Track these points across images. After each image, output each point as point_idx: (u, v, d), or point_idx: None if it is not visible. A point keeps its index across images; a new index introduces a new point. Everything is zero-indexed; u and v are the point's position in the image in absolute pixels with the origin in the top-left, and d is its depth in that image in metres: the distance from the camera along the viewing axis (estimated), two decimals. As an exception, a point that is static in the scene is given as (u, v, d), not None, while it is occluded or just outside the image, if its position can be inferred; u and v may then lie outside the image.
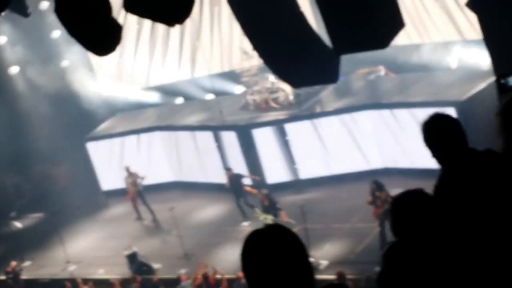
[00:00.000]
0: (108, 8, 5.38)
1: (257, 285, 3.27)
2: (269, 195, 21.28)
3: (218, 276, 18.34)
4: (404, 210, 4.77)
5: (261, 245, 3.27)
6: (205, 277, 18.66)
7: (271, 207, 20.96)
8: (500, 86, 6.34)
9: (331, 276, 16.52)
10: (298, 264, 3.27)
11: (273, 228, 3.35)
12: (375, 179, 19.60)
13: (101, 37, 5.01)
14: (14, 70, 29.21)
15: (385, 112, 23.00)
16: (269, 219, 20.57)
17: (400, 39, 22.48)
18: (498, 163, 4.87)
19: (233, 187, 23.10)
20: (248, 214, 22.72)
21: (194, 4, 5.88)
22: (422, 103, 21.36)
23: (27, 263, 24.19)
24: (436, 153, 5.05)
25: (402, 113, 22.34)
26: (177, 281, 19.17)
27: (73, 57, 29.74)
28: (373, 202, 18.91)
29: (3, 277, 22.99)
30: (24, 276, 22.87)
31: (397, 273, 4.75)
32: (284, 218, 20.53)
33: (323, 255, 19.29)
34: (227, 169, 23.61)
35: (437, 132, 5.05)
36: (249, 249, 3.30)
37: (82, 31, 5.02)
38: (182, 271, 19.71)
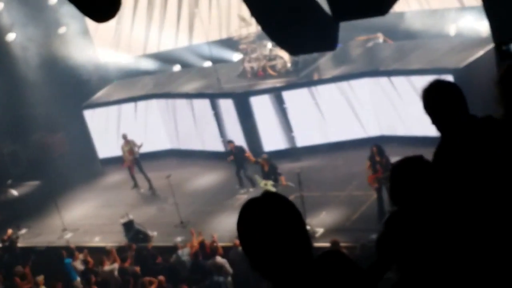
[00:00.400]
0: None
1: (254, 254, 3.25)
2: (269, 160, 21.18)
3: (215, 244, 18.29)
4: (403, 176, 4.71)
5: (257, 214, 3.24)
6: (202, 245, 18.62)
7: (271, 172, 20.88)
8: (502, 53, 6.22)
9: (326, 244, 16.48)
10: (294, 232, 3.24)
11: (269, 196, 3.31)
12: (376, 143, 19.38)
13: (100, 3, 4.89)
14: (11, 36, 29.02)
15: (383, 80, 22.83)
16: (269, 184, 20.51)
17: (399, 6, 22.40)
18: (498, 129, 4.79)
19: (235, 159, 22.94)
20: (245, 184, 22.64)
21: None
22: (420, 71, 21.19)
23: (23, 231, 24.20)
24: (436, 120, 4.97)
25: (400, 81, 22.19)
26: (173, 248, 19.12)
27: (71, 24, 29.57)
28: (372, 167, 18.68)
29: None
30: (20, 243, 22.85)
31: (396, 238, 4.70)
32: (284, 182, 20.49)
33: (319, 223, 19.24)
34: (229, 142, 23.40)
35: (437, 98, 4.97)
36: (245, 218, 3.26)
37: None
38: (178, 239, 19.67)
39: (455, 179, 4.76)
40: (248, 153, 22.68)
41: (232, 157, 22.78)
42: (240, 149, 22.99)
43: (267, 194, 3.32)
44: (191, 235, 19.32)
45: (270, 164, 21.06)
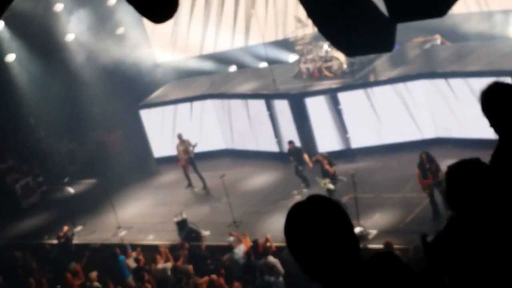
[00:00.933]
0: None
1: (303, 258, 3.23)
2: (329, 157, 21.16)
3: (268, 244, 18.29)
4: (460, 179, 4.59)
5: (303, 218, 3.22)
6: (255, 244, 18.63)
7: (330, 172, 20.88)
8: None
9: (379, 246, 16.36)
10: (341, 234, 3.21)
11: (314, 199, 3.27)
12: (425, 150, 19.23)
13: (158, 3, 4.90)
14: (70, 37, 29.42)
15: (440, 82, 22.59)
16: (327, 183, 20.48)
17: (458, 8, 22.16)
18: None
19: (294, 159, 22.87)
20: (299, 184, 22.58)
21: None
22: (478, 73, 20.91)
23: (78, 228, 24.47)
24: (494, 123, 4.87)
25: (457, 83, 21.92)
26: (227, 248, 19.17)
27: (128, 25, 29.89)
28: (422, 173, 18.54)
29: (55, 241, 23.30)
30: (75, 240, 23.13)
31: (451, 244, 4.59)
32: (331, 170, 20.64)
33: (373, 225, 19.12)
34: (290, 142, 23.27)
35: (495, 101, 4.87)
36: (292, 222, 3.25)
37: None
38: (231, 238, 19.68)
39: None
40: (306, 156, 22.60)
41: (294, 163, 22.73)
42: (298, 150, 22.97)
43: (312, 197, 3.29)
44: (244, 236, 19.35)
45: (329, 161, 21.02)
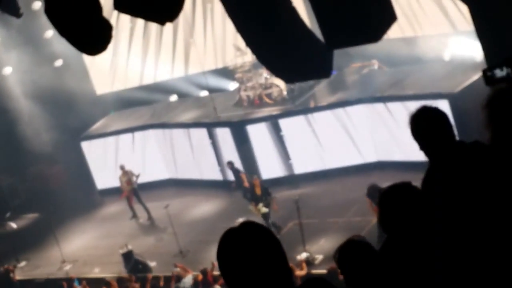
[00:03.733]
0: (98, 7, 5.34)
1: (234, 283, 3.25)
2: (262, 182, 21.28)
3: (216, 273, 18.29)
4: (391, 203, 4.75)
5: (234, 243, 3.26)
6: (204, 273, 18.60)
7: (263, 195, 20.91)
8: (487, 79, 6.33)
9: (325, 271, 16.47)
10: (273, 260, 3.24)
11: (246, 225, 3.32)
12: (372, 183, 19.17)
13: (91, 36, 4.98)
14: (7, 71, 29.14)
15: (379, 106, 22.94)
16: (261, 208, 20.53)
17: (393, 33, 22.49)
18: (485, 155, 4.85)
19: (236, 181, 22.95)
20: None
21: (184, 1, 5.84)
22: (415, 96, 21.29)
23: (22, 264, 24.16)
24: (423, 146, 5.06)
25: (396, 106, 22.26)
26: (176, 278, 19.10)
27: (66, 57, 29.67)
28: (374, 203, 18.49)
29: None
30: (19, 276, 22.81)
31: (385, 266, 4.73)
32: (275, 206, 20.62)
33: (319, 250, 19.26)
34: (229, 163, 23.43)
35: (424, 124, 5.08)
36: (224, 248, 3.29)
37: (72, 30, 4.99)
38: (177, 268, 19.62)
39: (443, 205, 4.80)
40: (243, 175, 22.72)
41: (234, 184, 22.77)
42: (236, 170, 23.28)
43: (245, 223, 3.34)
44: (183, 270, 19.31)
45: (262, 186, 21.11)
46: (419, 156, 5.09)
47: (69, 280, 21.02)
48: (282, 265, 3.26)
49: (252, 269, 3.19)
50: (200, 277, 18.56)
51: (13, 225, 27.02)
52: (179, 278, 18.92)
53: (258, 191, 21.06)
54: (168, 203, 22.50)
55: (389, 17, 7.88)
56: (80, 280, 20.91)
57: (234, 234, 3.28)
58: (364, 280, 4.82)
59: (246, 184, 22.19)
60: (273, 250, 3.26)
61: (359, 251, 4.94)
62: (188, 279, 18.76)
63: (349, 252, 4.89)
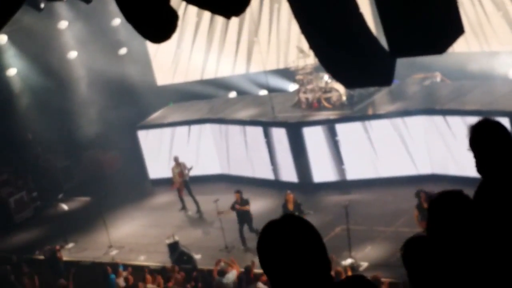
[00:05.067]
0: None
1: (274, 275, 3.26)
2: (295, 198, 21.13)
3: (257, 270, 18.27)
4: (441, 210, 4.65)
5: (276, 235, 3.26)
6: (247, 270, 18.57)
7: (295, 210, 20.77)
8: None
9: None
10: (313, 253, 3.24)
11: (288, 218, 3.32)
12: (422, 188, 18.98)
13: (157, 24, 5.00)
14: (72, 54, 29.54)
15: (438, 118, 22.71)
16: None
17: (459, 46, 22.29)
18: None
19: (238, 213, 22.18)
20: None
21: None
22: (476, 112, 21.00)
23: (70, 245, 24.44)
24: (479, 158, 4.93)
25: (455, 120, 22.03)
26: (220, 272, 19.09)
27: (131, 46, 30.02)
28: (421, 215, 18.16)
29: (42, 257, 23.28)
30: (66, 257, 23.06)
31: (432, 271, 4.64)
32: None
33: (364, 257, 19.15)
34: (237, 192, 22.45)
35: (484, 135, 4.93)
36: (265, 240, 3.28)
37: (139, 17, 5.02)
38: (222, 263, 19.65)
39: (494, 218, 4.69)
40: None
41: (248, 207, 22.10)
42: (245, 201, 22.29)
43: (286, 216, 3.34)
44: (232, 262, 19.31)
45: (295, 202, 20.93)
46: (475, 171, 4.95)
47: (114, 265, 21.18)
48: (322, 258, 3.25)
49: (291, 261, 3.19)
50: (244, 274, 18.55)
51: (65, 206, 27.30)
52: (223, 273, 18.91)
53: (290, 206, 21.04)
54: (217, 198, 22.50)
55: (457, 30, 7.76)
56: (125, 266, 21.07)
57: (275, 226, 3.28)
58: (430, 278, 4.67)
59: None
60: (313, 243, 3.25)
61: (424, 247, 4.77)
62: (231, 275, 18.76)
63: (415, 249, 4.74)
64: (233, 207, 21.93)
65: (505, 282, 4.46)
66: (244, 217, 21.92)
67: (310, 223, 3.30)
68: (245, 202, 22.05)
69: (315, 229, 3.29)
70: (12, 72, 28.39)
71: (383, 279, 16.59)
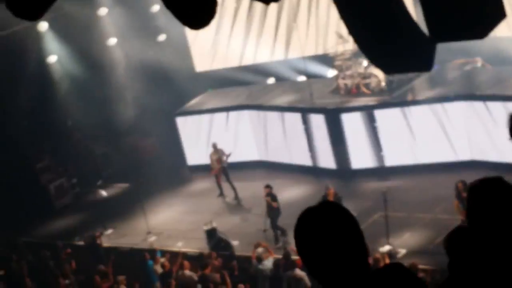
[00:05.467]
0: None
1: (311, 262, 3.26)
2: (336, 191, 20.77)
3: (295, 257, 18.22)
4: (481, 196, 4.56)
5: (313, 223, 3.26)
6: (286, 256, 18.50)
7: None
8: None
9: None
10: (351, 241, 3.24)
11: (326, 205, 3.31)
12: (461, 179, 18.55)
13: (196, 10, 4.97)
14: (112, 41, 29.67)
15: (478, 104, 22.45)
16: None
17: (500, 31, 21.94)
18: None
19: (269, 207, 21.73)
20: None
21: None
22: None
23: (109, 231, 24.61)
24: None
25: (496, 106, 21.76)
26: (258, 259, 19.08)
27: (170, 33, 30.06)
28: (462, 204, 17.88)
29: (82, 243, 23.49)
30: (105, 243, 23.23)
31: (468, 259, 4.56)
32: None
33: (402, 244, 19.03)
34: (267, 186, 22.04)
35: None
36: (302, 227, 3.28)
37: (178, 3, 5.00)
38: (259, 250, 19.65)
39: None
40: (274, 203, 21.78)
41: (275, 203, 21.71)
42: (274, 196, 21.96)
43: (324, 203, 3.33)
44: (269, 249, 19.29)
45: (336, 195, 20.62)
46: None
47: (152, 252, 21.28)
48: (359, 246, 3.25)
49: (329, 248, 3.19)
50: (282, 260, 18.52)
51: (104, 193, 27.52)
52: (260, 259, 18.91)
53: (330, 199, 20.86)
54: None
55: (498, 14, 7.65)
56: (163, 253, 21.15)
57: (313, 213, 3.28)
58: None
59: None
60: (351, 230, 3.25)
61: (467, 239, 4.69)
62: (268, 261, 18.75)
63: (458, 240, 4.65)
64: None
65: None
66: (270, 212, 21.78)
67: (348, 210, 3.29)
68: (273, 199, 21.86)
69: (353, 216, 3.28)
70: (52, 59, 28.57)
71: (421, 266, 16.46)
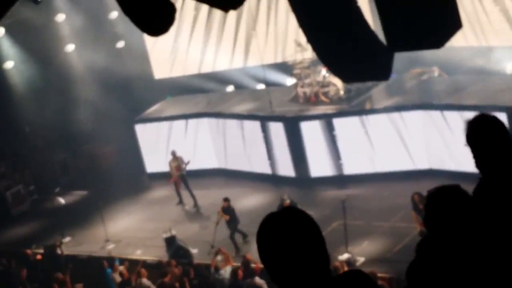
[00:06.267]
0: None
1: (272, 267, 3.25)
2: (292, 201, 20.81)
3: (253, 265, 18.24)
4: (438, 204, 4.63)
5: (275, 227, 3.25)
6: (245, 263, 18.49)
7: None
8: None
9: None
10: (312, 246, 3.24)
11: (288, 210, 3.31)
12: (417, 192, 18.47)
13: (155, 16, 4.98)
14: (69, 48, 29.47)
15: (435, 113, 22.69)
16: None
17: (457, 41, 22.21)
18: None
19: (231, 218, 21.75)
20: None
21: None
22: (474, 107, 20.98)
23: (67, 239, 24.40)
24: (476, 154, 4.89)
25: (453, 115, 22.01)
26: (215, 267, 19.06)
27: (129, 39, 29.94)
28: (420, 215, 18.02)
29: (41, 251, 23.25)
30: (61, 251, 23.02)
31: (427, 266, 4.62)
32: None
33: (361, 252, 19.15)
34: (225, 200, 21.89)
35: (481, 130, 4.89)
36: (264, 231, 3.27)
37: (137, 9, 5.00)
38: (219, 257, 19.63)
39: (491, 214, 4.66)
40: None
41: (227, 216, 21.64)
42: (232, 210, 21.91)
43: (286, 208, 3.33)
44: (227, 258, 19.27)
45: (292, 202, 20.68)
46: (472, 167, 4.91)
47: (111, 260, 21.17)
48: (321, 251, 3.26)
49: (291, 254, 3.19)
50: (241, 268, 18.52)
51: (61, 200, 27.34)
52: (217, 269, 18.89)
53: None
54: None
55: (454, 24, 7.75)
56: (121, 261, 21.04)
57: (275, 218, 3.27)
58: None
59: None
60: (313, 236, 3.25)
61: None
62: (225, 271, 18.74)
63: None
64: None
65: (504, 278, 4.44)
66: (229, 222, 21.71)
67: (310, 216, 3.29)
68: (228, 212, 21.68)
69: (315, 222, 3.28)
70: (9, 65, 28.32)
71: (379, 275, 16.58)
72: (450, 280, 4.49)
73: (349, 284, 3.36)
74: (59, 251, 22.61)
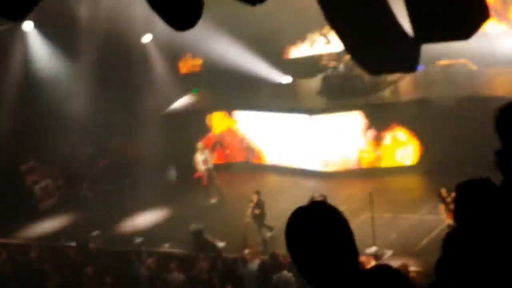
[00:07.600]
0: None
1: (301, 262, 3.28)
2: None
3: (282, 258, 18.19)
4: (468, 197, 4.59)
5: (304, 222, 3.27)
6: (273, 257, 18.46)
7: None
8: None
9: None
10: (341, 241, 3.26)
11: (317, 204, 3.33)
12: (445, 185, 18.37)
13: (182, 11, 4.97)
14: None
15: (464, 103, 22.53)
16: None
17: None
18: None
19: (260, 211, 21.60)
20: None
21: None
22: (502, 98, 20.81)
23: (95, 233, 24.51)
24: (506, 143, 4.82)
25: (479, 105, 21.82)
26: (243, 260, 19.06)
27: (157, 34, 29.88)
28: (447, 209, 17.90)
29: (72, 244, 23.37)
30: (91, 245, 23.15)
31: (457, 260, 4.58)
32: None
33: (389, 245, 19.06)
34: (257, 192, 21.74)
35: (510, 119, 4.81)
36: (293, 226, 3.30)
37: (164, 4, 5.00)
38: (247, 251, 19.62)
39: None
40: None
41: (258, 210, 21.54)
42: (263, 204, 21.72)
43: (315, 202, 3.36)
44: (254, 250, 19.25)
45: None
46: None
47: (139, 253, 21.22)
48: (349, 246, 3.28)
49: (319, 247, 3.22)
50: (270, 261, 18.48)
51: (90, 194, 27.44)
52: (245, 261, 18.88)
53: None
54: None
55: (482, 16, 7.70)
56: (150, 254, 21.10)
57: (303, 212, 3.29)
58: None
59: None
60: (341, 230, 3.27)
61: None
62: (253, 264, 18.71)
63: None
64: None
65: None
66: (257, 217, 21.67)
67: (338, 210, 3.31)
68: (259, 205, 21.68)
69: (343, 216, 3.30)
70: (38, 57, 28.40)
71: (412, 268, 16.44)
72: (480, 274, 4.45)
73: (378, 279, 3.36)
74: (90, 245, 22.73)
